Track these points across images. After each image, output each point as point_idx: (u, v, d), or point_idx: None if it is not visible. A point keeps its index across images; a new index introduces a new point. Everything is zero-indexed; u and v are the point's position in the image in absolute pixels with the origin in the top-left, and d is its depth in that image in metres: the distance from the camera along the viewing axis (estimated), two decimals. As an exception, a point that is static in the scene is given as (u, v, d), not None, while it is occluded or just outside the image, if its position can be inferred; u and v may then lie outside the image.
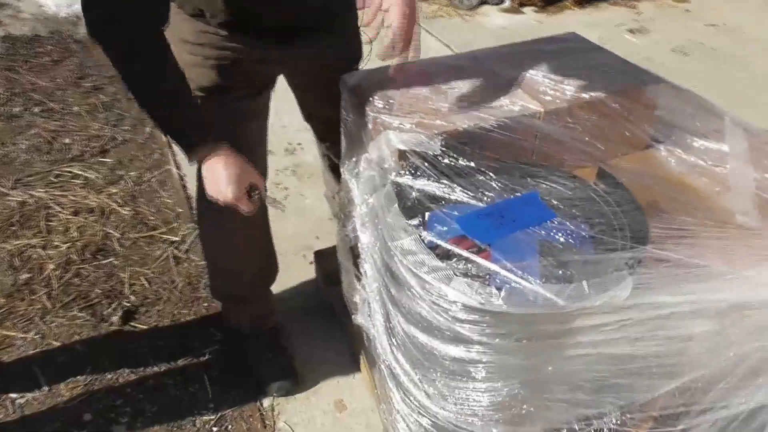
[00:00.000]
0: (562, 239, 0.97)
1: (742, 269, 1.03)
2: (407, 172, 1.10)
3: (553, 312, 0.87)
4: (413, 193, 1.07)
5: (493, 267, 0.91)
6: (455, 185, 1.06)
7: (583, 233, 0.99)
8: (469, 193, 1.05)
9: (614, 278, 0.90)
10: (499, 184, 1.08)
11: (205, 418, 1.53)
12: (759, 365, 1.06)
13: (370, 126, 1.23)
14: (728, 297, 0.99)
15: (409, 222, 1.00)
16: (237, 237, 1.47)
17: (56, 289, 1.84)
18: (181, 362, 1.66)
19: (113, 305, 1.81)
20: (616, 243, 0.97)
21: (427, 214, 1.04)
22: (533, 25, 3.52)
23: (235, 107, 1.32)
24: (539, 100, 1.27)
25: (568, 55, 1.48)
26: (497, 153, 1.22)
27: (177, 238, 2.06)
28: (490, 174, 1.10)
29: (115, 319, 1.76)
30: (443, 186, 1.06)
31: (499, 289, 0.88)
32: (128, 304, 1.81)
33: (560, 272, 0.92)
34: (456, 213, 1.02)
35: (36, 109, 2.69)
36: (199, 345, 1.70)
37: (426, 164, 1.11)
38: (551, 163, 1.30)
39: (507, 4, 3.73)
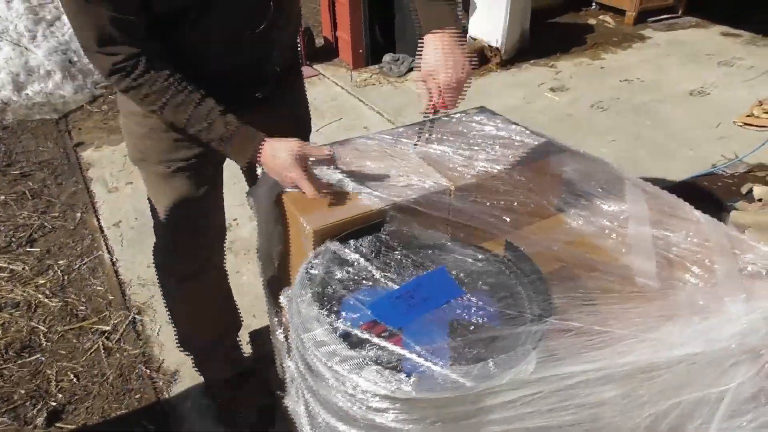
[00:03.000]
0: (470, 317, 1.00)
1: (645, 331, 1.08)
2: (323, 259, 1.12)
3: (463, 394, 0.89)
4: (328, 280, 1.08)
5: (403, 352, 0.92)
6: (370, 267, 1.09)
7: (491, 308, 1.02)
8: (383, 273, 1.08)
9: (519, 354, 0.92)
10: (411, 261, 1.11)
11: None
12: (678, 422, 1.10)
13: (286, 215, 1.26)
14: (633, 360, 1.03)
15: (323, 311, 1.01)
16: (198, 301, 1.52)
17: (-24, 394, 1.76)
18: (111, 463, 1.59)
19: (38, 406, 1.73)
20: (523, 316, 1.00)
21: (342, 301, 1.05)
22: (461, 88, 3.67)
23: (190, 176, 1.36)
24: (449, 176, 1.32)
25: (477, 129, 1.56)
26: (412, 230, 1.26)
27: (108, 328, 2.00)
28: (402, 252, 1.14)
29: (39, 421, 1.68)
30: (358, 270, 1.09)
31: (409, 374, 0.89)
32: (54, 404, 1.74)
33: (469, 352, 0.95)
34: (368, 297, 1.04)
35: (-42, 204, 2.63)
36: (131, 441, 1.64)
37: (340, 249, 1.13)
38: (464, 237, 1.35)
39: (435, 69, 3.89)
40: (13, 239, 2.41)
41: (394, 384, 0.88)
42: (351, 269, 1.09)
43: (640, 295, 1.16)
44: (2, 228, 2.48)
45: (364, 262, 1.10)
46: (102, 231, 2.48)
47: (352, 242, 1.14)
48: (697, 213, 1.42)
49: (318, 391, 1.00)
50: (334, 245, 1.14)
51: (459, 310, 1.01)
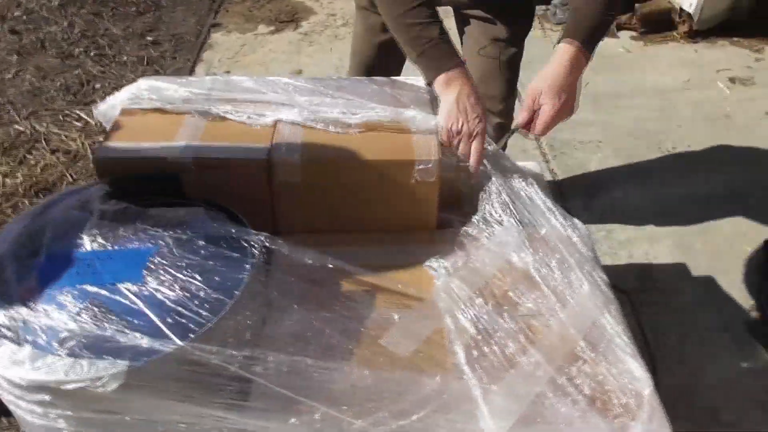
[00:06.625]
0: (113, 307, 0.88)
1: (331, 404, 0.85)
2: (72, 197, 1.07)
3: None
4: (56, 221, 1.03)
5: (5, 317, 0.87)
6: (94, 223, 1.01)
7: (149, 312, 0.88)
8: (100, 234, 0.99)
9: (104, 365, 0.81)
10: (142, 233, 1.00)
11: None
12: None
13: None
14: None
15: (19, 249, 0.98)
16: None
17: (-15, 217, 2.09)
18: None
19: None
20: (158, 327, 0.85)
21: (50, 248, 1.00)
22: (617, 53, 3.06)
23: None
24: (278, 146, 1.13)
25: (397, 98, 1.27)
26: (215, 193, 1.12)
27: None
28: (153, 224, 1.02)
29: None
30: (84, 222, 1.01)
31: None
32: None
33: (75, 341, 0.85)
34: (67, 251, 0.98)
35: (93, 53, 3.01)
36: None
37: (95, 195, 1.07)
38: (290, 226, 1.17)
39: (604, 23, 3.28)
40: (107, 96, 2.72)
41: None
42: (80, 217, 1.02)
43: (382, 364, 0.90)
44: (107, 84, 2.81)
45: (94, 218, 1.02)
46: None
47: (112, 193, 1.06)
48: (586, 288, 1.04)
49: None
50: (95, 188, 1.08)
51: (112, 296, 0.89)
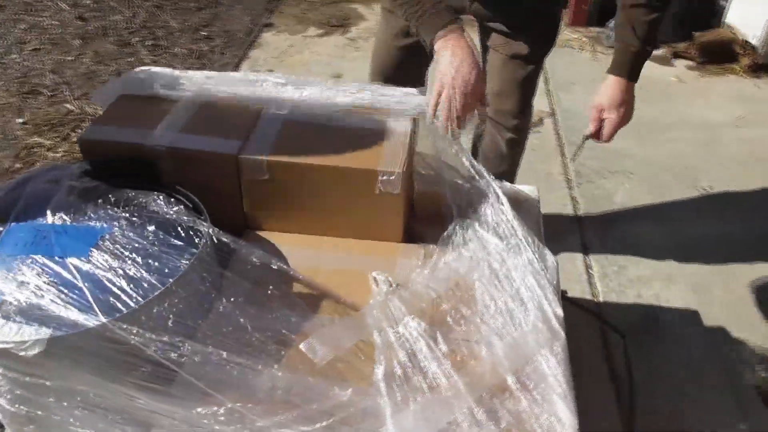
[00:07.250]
0: (55, 278, 0.92)
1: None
2: (53, 171, 1.13)
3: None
4: (33, 191, 1.10)
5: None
6: (63, 197, 1.07)
7: (84, 288, 0.92)
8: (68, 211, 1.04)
9: (30, 330, 0.85)
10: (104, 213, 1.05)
11: None
12: None
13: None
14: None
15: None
16: None
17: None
18: None
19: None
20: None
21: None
22: (668, 82, 2.93)
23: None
24: (251, 143, 1.15)
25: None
26: (190, 184, 1.16)
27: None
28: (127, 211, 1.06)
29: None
30: (55, 195, 1.07)
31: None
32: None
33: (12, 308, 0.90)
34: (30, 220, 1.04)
35: (148, 43, 3.17)
36: None
37: (76, 172, 1.12)
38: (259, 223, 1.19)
39: (661, 51, 3.15)
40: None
41: None
42: (51, 191, 1.08)
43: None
44: (156, 73, 2.94)
45: (62, 193, 1.07)
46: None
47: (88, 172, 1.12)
48: (531, 322, 1.01)
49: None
50: (75, 165, 1.14)
51: (57, 269, 0.94)
